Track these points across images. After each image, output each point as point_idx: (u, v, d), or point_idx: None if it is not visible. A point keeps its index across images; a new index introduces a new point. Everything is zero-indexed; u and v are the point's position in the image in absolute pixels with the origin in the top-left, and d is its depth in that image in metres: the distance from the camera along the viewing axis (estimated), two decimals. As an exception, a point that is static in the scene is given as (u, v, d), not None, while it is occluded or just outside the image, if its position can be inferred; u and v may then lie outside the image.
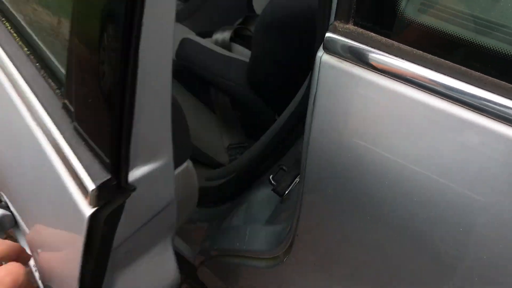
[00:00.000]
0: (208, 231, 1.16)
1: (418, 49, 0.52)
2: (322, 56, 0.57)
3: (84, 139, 0.56)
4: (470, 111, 0.49)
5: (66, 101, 0.59)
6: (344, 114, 0.57)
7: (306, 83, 0.87)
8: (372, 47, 0.53)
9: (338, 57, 0.55)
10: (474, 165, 0.51)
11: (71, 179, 0.55)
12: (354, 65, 0.54)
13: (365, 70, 0.54)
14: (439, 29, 0.50)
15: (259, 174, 1.02)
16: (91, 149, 0.55)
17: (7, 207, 0.85)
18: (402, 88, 0.52)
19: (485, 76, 0.49)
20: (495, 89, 0.47)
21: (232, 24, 1.37)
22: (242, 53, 1.25)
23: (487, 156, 0.49)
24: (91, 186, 0.52)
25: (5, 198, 0.86)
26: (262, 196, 0.97)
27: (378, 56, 0.53)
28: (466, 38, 0.48)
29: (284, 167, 0.87)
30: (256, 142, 1.34)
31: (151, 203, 0.62)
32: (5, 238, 0.72)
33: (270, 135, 0.97)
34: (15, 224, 0.85)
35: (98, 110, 0.53)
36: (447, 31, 0.49)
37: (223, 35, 1.25)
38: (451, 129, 0.50)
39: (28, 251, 0.78)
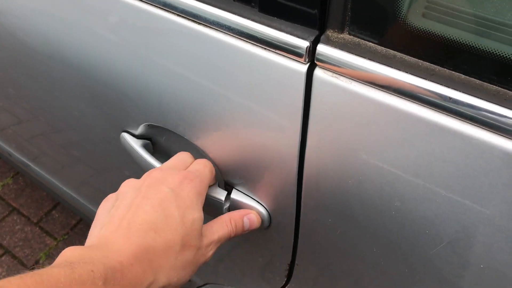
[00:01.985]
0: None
1: (424, 61, 0.45)
2: (315, 70, 0.50)
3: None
4: (486, 130, 0.42)
5: None
6: (341, 133, 0.50)
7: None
8: (370, 59, 0.46)
9: (332, 72, 0.48)
10: (477, 178, 0.44)
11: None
12: (350, 80, 0.47)
13: (364, 86, 0.47)
14: (448, 37, 0.43)
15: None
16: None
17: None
18: (407, 106, 0.45)
19: (503, 89, 0.42)
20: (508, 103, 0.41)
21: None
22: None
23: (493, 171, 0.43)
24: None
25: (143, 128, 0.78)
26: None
27: (378, 70, 0.46)
28: (481, 47, 0.41)
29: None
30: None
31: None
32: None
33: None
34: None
35: None
36: (457, 39, 0.42)
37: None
38: (462, 149, 0.44)
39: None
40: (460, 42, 0.42)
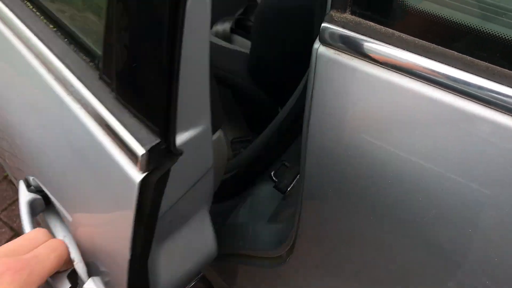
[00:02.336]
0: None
1: (421, 39, 0.48)
2: (319, 48, 0.53)
3: (127, 108, 0.55)
4: (475, 103, 0.46)
5: (103, 71, 0.58)
6: (343, 109, 0.54)
7: (305, 76, 0.83)
8: (371, 37, 0.50)
9: (335, 49, 0.52)
10: (482, 160, 0.47)
11: (117, 146, 0.54)
12: (352, 57, 0.51)
13: (364, 62, 0.50)
14: (445, 16, 0.46)
15: (262, 169, 1.00)
16: (136, 116, 0.54)
17: (37, 192, 0.83)
18: (404, 81, 0.49)
19: (493, 66, 0.45)
20: (503, 80, 0.44)
21: (233, 14, 1.34)
22: (243, 44, 1.22)
23: (495, 150, 0.46)
24: (141, 151, 0.51)
25: (37, 181, 0.84)
26: (265, 193, 0.95)
27: (378, 47, 0.49)
28: (474, 26, 0.45)
29: (286, 163, 0.84)
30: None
31: (194, 169, 0.63)
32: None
33: (271, 129, 0.94)
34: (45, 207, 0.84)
35: (145, 77, 0.52)
36: (453, 19, 0.46)
37: (224, 26, 1.22)
38: (455, 122, 0.47)
39: (63, 232, 0.77)
40: (457, 22, 0.46)
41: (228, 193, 1.13)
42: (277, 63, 1.03)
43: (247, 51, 1.15)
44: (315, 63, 0.54)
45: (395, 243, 0.59)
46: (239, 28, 1.26)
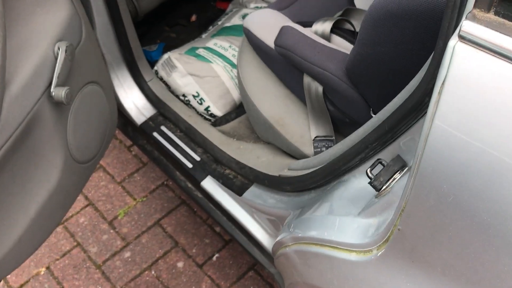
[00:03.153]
0: (290, 219, 1.16)
1: None
2: (456, 45, 0.54)
3: None
4: None
5: None
6: (479, 111, 0.54)
7: (413, 82, 0.83)
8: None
9: (476, 48, 0.53)
10: None
11: None
12: (494, 58, 0.52)
13: (508, 64, 0.51)
14: None
15: (348, 169, 1.01)
16: None
17: None
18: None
19: None
20: None
21: (331, 15, 1.36)
22: (341, 45, 1.24)
23: None
24: None
25: None
26: (353, 189, 0.96)
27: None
28: None
29: (383, 161, 0.85)
30: (344, 137, 1.33)
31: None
32: None
33: (366, 130, 0.95)
34: None
35: None
36: None
37: (323, 26, 1.24)
38: None
39: None
40: None
41: (308, 187, 1.15)
42: (379, 71, 1.03)
43: (346, 51, 1.16)
44: (450, 59, 0.55)
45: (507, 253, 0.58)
46: (338, 29, 1.27)
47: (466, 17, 0.53)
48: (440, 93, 0.57)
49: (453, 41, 0.55)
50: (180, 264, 1.87)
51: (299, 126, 1.34)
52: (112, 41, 1.65)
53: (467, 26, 0.53)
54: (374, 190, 0.84)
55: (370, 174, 0.84)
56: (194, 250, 1.90)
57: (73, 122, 1.07)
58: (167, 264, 1.87)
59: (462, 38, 0.54)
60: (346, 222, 0.86)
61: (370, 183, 0.83)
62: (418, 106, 0.73)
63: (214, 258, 1.88)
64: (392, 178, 0.82)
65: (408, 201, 0.66)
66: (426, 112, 0.74)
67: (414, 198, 0.66)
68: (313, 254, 0.93)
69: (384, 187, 0.82)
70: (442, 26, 0.62)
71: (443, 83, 0.56)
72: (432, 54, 0.69)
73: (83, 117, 1.12)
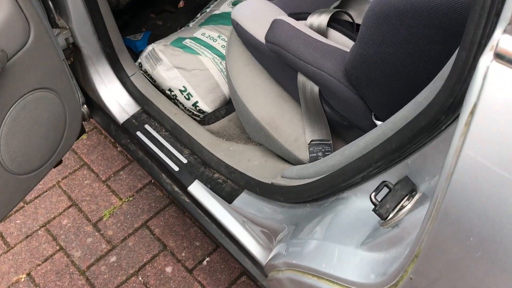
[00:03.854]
0: (283, 237, 1.05)
1: None
2: (491, 65, 0.42)
3: None
4: None
5: None
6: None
7: (424, 92, 0.70)
8: None
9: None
10: None
11: None
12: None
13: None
14: None
15: (348, 186, 0.89)
16: None
17: None
18: None
19: None
20: None
21: (327, 5, 1.23)
22: (338, 40, 1.11)
23: None
24: None
25: None
26: (354, 210, 0.84)
27: None
28: None
29: (388, 183, 0.74)
30: (343, 140, 1.21)
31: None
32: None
33: (368, 143, 0.83)
34: None
35: None
36: None
37: (319, 19, 1.11)
38: None
39: None
40: None
41: (303, 199, 1.04)
42: (383, 74, 0.91)
43: (345, 49, 1.04)
44: (482, 83, 0.43)
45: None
46: (334, 22, 1.15)
47: (505, 30, 0.41)
48: (467, 124, 0.45)
49: (486, 59, 0.43)
50: (168, 269, 1.77)
51: (293, 129, 1.22)
52: (90, 32, 1.51)
53: (506, 42, 0.41)
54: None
55: (374, 200, 0.72)
56: (183, 254, 1.80)
57: (6, 132, 0.96)
58: (155, 269, 1.77)
59: (499, 57, 0.42)
60: (346, 253, 0.75)
61: (374, 210, 0.72)
62: (433, 125, 0.62)
63: (205, 262, 1.78)
64: (401, 205, 0.70)
65: (423, 248, 0.55)
66: (441, 131, 0.63)
67: (432, 247, 0.54)
68: (308, 286, 0.82)
69: (391, 215, 0.70)
70: (466, 34, 0.50)
71: (472, 113, 0.45)
72: (452, 64, 0.57)
73: (23, 125, 1.03)
